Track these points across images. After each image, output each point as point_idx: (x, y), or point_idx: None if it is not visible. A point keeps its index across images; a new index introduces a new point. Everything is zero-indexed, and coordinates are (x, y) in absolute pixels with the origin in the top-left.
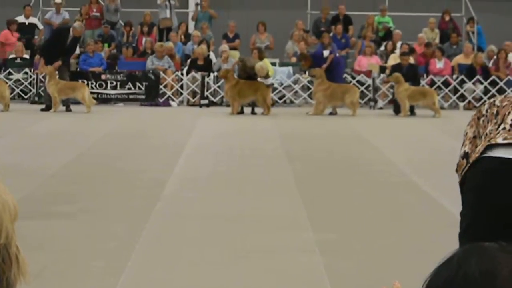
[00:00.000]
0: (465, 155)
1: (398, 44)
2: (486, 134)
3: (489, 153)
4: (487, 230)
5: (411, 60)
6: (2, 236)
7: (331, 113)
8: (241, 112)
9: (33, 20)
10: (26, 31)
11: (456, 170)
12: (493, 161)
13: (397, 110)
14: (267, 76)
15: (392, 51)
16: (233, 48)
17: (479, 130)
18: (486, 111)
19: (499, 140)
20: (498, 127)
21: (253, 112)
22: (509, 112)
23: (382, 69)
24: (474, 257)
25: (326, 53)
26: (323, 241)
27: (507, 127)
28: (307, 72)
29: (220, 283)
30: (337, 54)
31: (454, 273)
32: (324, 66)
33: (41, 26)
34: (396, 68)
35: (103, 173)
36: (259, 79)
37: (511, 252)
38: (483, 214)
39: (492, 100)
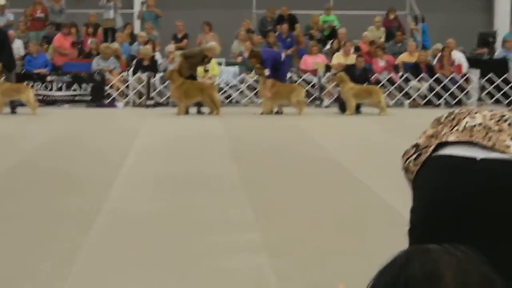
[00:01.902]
0: (415, 146)
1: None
2: (438, 137)
3: (440, 152)
4: (438, 229)
5: (354, 59)
6: None
7: (277, 112)
8: (187, 112)
9: None
10: None
11: (402, 156)
12: (443, 158)
13: (342, 109)
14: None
15: (338, 50)
16: (180, 48)
17: (435, 133)
18: (445, 118)
19: (450, 138)
20: (452, 129)
21: (199, 112)
22: (465, 117)
23: (328, 68)
24: (417, 259)
25: (283, 55)
26: (269, 242)
27: (460, 128)
28: (253, 71)
29: (167, 285)
30: (282, 54)
31: (397, 276)
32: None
33: None
34: (349, 69)
35: (46, 177)
36: (204, 76)
37: (454, 254)
38: (434, 213)
39: (451, 111)
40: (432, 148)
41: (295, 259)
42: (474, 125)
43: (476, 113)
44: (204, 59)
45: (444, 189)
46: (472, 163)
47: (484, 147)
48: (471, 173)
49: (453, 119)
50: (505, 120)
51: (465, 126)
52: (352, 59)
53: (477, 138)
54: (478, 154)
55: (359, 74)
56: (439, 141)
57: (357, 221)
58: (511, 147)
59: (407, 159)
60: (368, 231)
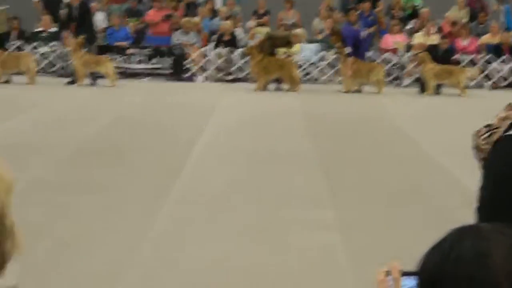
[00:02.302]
0: (488, 126)
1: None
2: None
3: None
4: (508, 208)
5: (436, 39)
6: None
7: (356, 91)
8: (266, 88)
9: None
10: (53, 4)
11: (473, 135)
12: None
13: (423, 89)
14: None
15: (419, 29)
16: (261, 25)
17: (508, 115)
18: None
19: None
20: None
21: (278, 88)
22: None
23: (408, 48)
24: (468, 238)
25: (363, 33)
26: (342, 218)
27: None
28: (334, 49)
29: (243, 257)
30: (362, 32)
31: (447, 254)
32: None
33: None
34: (432, 49)
35: (123, 148)
36: (284, 51)
37: (506, 234)
38: (505, 192)
39: None
40: (504, 128)
41: (366, 237)
42: None
43: None
44: (288, 43)
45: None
46: None
47: None
48: None
49: None
50: None
51: None
52: (433, 39)
53: None
54: None
55: (442, 55)
56: (509, 121)
57: (430, 199)
58: None
59: (479, 137)
60: (440, 208)
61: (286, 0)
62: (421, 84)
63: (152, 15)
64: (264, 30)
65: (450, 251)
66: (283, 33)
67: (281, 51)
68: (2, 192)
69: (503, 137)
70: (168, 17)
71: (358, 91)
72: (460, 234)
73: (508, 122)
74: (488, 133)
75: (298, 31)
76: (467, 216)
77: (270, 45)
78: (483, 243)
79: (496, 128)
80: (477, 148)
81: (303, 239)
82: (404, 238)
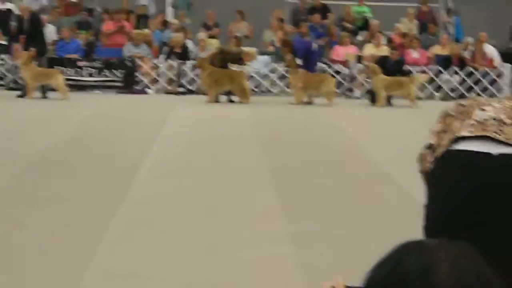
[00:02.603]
0: (430, 146)
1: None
2: (452, 131)
3: (455, 147)
4: (453, 229)
5: (386, 51)
6: None
7: (307, 102)
8: (217, 100)
9: (9, 5)
10: (2, 17)
11: (418, 159)
12: (458, 154)
13: (373, 100)
14: (241, 63)
15: (370, 41)
16: (212, 37)
17: (445, 128)
18: (454, 111)
19: (464, 133)
20: (463, 122)
21: (229, 100)
22: (475, 110)
23: (359, 59)
24: (413, 253)
25: (314, 45)
26: (295, 231)
27: (472, 122)
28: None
29: (193, 272)
30: (314, 44)
31: (393, 269)
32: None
33: (17, 12)
34: (382, 60)
35: (74, 161)
36: (234, 67)
37: (451, 249)
38: (450, 213)
39: (459, 102)
40: (446, 142)
41: (319, 249)
42: (486, 119)
43: (486, 105)
44: (239, 60)
45: (459, 187)
46: (488, 159)
47: (498, 142)
48: (487, 170)
49: (463, 112)
50: None
51: (477, 120)
52: (383, 50)
53: (491, 132)
54: (493, 149)
55: (392, 66)
56: (452, 135)
57: (381, 211)
58: None
59: (425, 161)
60: (392, 221)
61: (238, 12)
62: (371, 96)
63: (108, 26)
64: (215, 42)
65: (395, 266)
66: (235, 49)
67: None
68: None
69: (444, 153)
70: (121, 29)
71: (309, 102)
72: (405, 249)
73: (447, 137)
74: (431, 155)
75: (250, 49)
76: (419, 229)
77: (221, 59)
78: (428, 258)
79: (437, 145)
80: (424, 172)
81: (255, 252)
82: (355, 251)
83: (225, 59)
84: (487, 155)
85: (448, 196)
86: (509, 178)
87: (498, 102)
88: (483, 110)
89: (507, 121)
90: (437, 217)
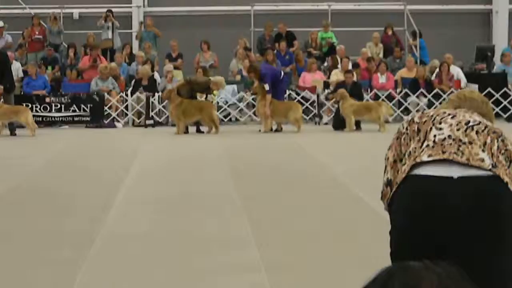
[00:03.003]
0: (389, 183)
1: (340, 60)
2: (410, 153)
3: (415, 172)
4: (417, 252)
5: (354, 76)
6: None
7: (276, 130)
8: (186, 131)
9: None
10: None
11: (381, 198)
12: (419, 180)
13: (336, 126)
14: (209, 93)
15: (335, 66)
16: (176, 68)
17: (399, 151)
18: (406, 128)
19: (424, 158)
20: (422, 144)
21: (198, 131)
22: (431, 128)
23: (326, 85)
24: (398, 276)
25: (282, 73)
26: (268, 259)
27: (431, 143)
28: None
29: None
30: (281, 71)
31: None
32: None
33: None
34: (340, 86)
35: (44, 199)
36: (202, 97)
37: (435, 270)
38: (412, 237)
39: (410, 117)
40: (407, 170)
41: (293, 275)
42: (444, 138)
43: (440, 123)
44: (207, 89)
45: (421, 214)
46: (448, 183)
47: (459, 164)
48: (448, 195)
49: (418, 130)
50: (472, 128)
51: (434, 141)
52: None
53: (451, 154)
54: (454, 172)
55: (351, 89)
56: (412, 161)
57: (355, 235)
58: (485, 160)
59: (387, 199)
60: (366, 245)
61: (203, 42)
62: (335, 121)
63: (84, 62)
64: (178, 73)
65: None
66: (203, 78)
67: (200, 96)
68: None
69: (404, 179)
70: (95, 62)
71: (278, 130)
72: (390, 273)
73: (404, 166)
74: (396, 185)
75: (218, 78)
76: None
77: (189, 90)
78: (413, 281)
79: (395, 178)
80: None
81: (231, 281)
82: (331, 277)
83: (192, 89)
84: (448, 178)
85: (408, 224)
86: (469, 202)
87: (450, 115)
88: (439, 129)
89: (465, 139)
90: (399, 245)
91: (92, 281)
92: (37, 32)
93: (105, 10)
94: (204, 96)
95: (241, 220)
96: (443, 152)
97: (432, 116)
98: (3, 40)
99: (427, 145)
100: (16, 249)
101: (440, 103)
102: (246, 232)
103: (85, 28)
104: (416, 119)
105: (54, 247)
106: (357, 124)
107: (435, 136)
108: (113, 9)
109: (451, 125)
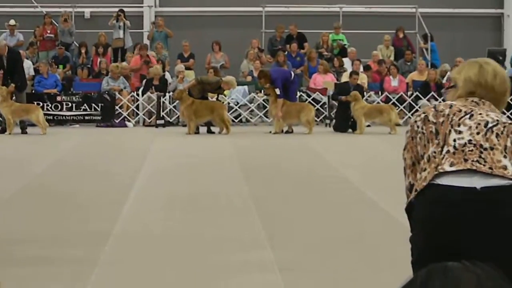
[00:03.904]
0: (411, 187)
1: (346, 61)
2: (429, 157)
3: (437, 181)
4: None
5: (364, 78)
6: None
7: (287, 132)
8: (197, 132)
9: None
10: None
11: (406, 210)
12: (442, 189)
13: (337, 127)
14: (220, 93)
15: (341, 66)
16: (187, 68)
17: (416, 152)
18: (422, 128)
19: (446, 167)
20: (442, 149)
21: (209, 131)
22: (450, 131)
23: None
24: (438, 277)
25: (293, 74)
26: (282, 259)
27: (451, 149)
28: (262, 91)
29: None
30: (292, 73)
31: None
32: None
33: None
34: (342, 86)
35: (55, 199)
36: (213, 98)
37: (474, 271)
38: (433, 248)
39: (422, 115)
40: (428, 178)
41: (308, 276)
42: (465, 144)
43: (459, 125)
44: (218, 88)
45: (444, 225)
46: (472, 194)
47: (482, 173)
48: (472, 205)
49: (437, 132)
50: (492, 131)
51: (455, 146)
52: (362, 77)
53: (474, 164)
54: (477, 182)
55: (352, 90)
56: (434, 170)
57: (367, 237)
58: (508, 168)
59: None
60: (383, 248)
61: (215, 43)
62: (337, 123)
63: (135, 61)
64: (190, 73)
65: None
66: (214, 78)
67: (212, 96)
68: None
69: (426, 187)
70: (147, 64)
71: (289, 132)
72: (429, 274)
73: (424, 173)
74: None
75: (229, 78)
76: (406, 255)
77: (200, 90)
78: (452, 282)
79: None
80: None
81: (244, 282)
82: (344, 278)
83: (204, 89)
84: (472, 189)
85: (432, 235)
86: (494, 212)
87: (467, 113)
88: (458, 132)
89: (486, 144)
90: (422, 256)
91: (106, 280)
92: (48, 31)
93: (116, 9)
94: (216, 96)
95: (253, 220)
96: (465, 160)
97: (448, 116)
98: (15, 38)
99: (448, 151)
100: (29, 249)
101: None
102: (259, 232)
103: (96, 28)
104: (431, 118)
105: (68, 246)
106: (353, 126)
107: (455, 140)
108: (125, 9)
109: (470, 127)
